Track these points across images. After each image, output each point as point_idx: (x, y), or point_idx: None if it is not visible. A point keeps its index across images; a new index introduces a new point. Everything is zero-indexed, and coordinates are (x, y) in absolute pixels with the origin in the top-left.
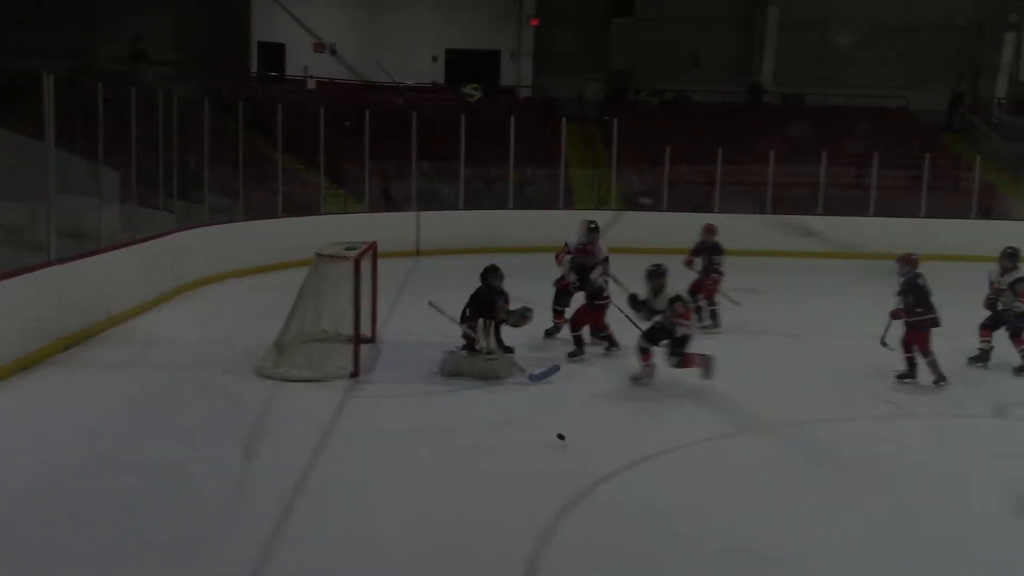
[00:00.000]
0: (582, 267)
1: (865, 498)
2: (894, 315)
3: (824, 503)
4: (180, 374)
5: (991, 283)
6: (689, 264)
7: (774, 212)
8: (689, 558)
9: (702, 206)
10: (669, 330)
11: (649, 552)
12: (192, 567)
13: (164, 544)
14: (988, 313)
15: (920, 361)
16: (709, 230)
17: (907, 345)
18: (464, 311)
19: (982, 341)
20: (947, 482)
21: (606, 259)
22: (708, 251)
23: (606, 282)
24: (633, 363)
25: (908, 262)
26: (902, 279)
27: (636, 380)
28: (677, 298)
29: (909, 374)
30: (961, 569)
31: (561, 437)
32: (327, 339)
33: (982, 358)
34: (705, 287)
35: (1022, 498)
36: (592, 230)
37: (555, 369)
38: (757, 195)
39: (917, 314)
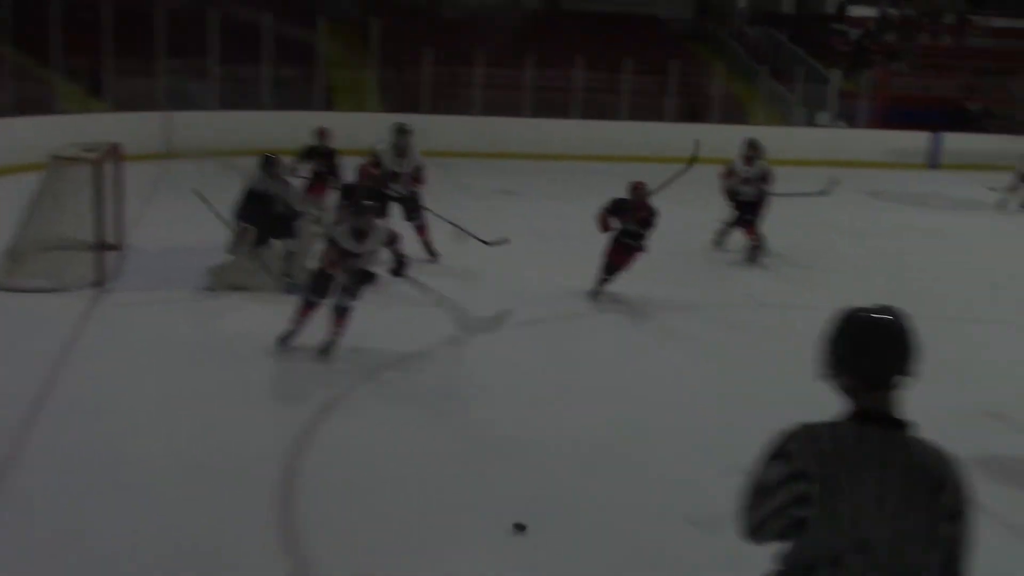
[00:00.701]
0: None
1: (599, 386)
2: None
3: (574, 393)
4: None
5: (734, 172)
6: (293, 172)
7: (535, 116)
8: (445, 452)
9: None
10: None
11: (415, 447)
12: None
13: None
14: (734, 208)
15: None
16: (322, 134)
17: (613, 262)
18: (239, 209)
19: (746, 243)
20: (684, 374)
21: (419, 168)
22: (322, 157)
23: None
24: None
25: (641, 188)
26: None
27: (283, 342)
28: (391, 234)
29: (600, 289)
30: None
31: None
32: (67, 247)
33: (758, 253)
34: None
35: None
36: (404, 132)
37: None
38: (515, 99)
39: (638, 237)
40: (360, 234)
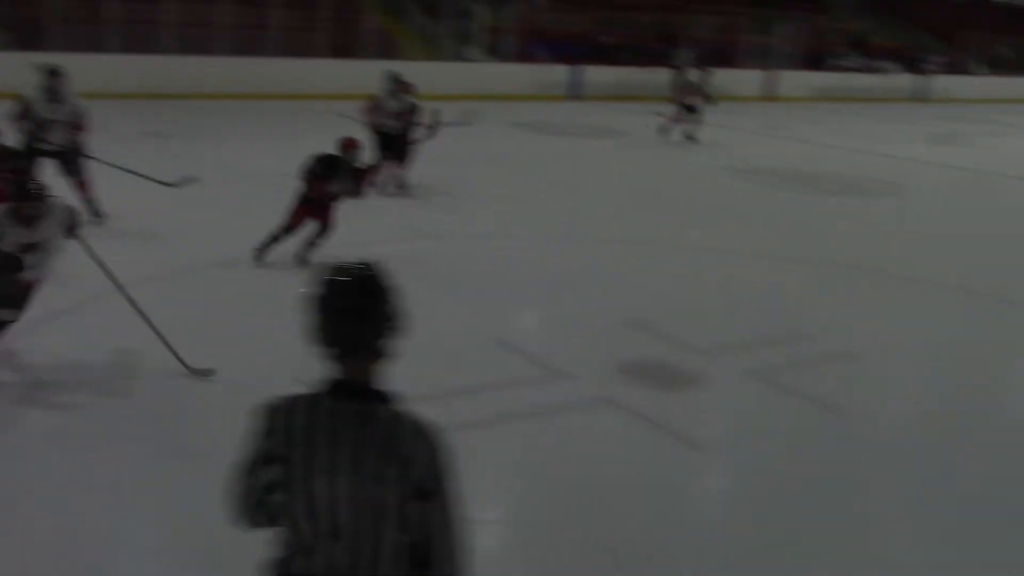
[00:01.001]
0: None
1: (282, 338)
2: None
3: (242, 350)
4: None
5: (379, 107)
6: None
7: (177, 53)
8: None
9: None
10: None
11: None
12: None
13: None
14: (380, 143)
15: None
16: None
17: (293, 224)
18: None
19: (394, 177)
20: None
21: (79, 114)
22: None
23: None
24: None
25: (355, 147)
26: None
27: None
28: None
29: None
30: None
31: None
32: None
33: (405, 186)
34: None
35: None
36: (57, 74)
37: None
38: (156, 34)
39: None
40: (29, 221)
